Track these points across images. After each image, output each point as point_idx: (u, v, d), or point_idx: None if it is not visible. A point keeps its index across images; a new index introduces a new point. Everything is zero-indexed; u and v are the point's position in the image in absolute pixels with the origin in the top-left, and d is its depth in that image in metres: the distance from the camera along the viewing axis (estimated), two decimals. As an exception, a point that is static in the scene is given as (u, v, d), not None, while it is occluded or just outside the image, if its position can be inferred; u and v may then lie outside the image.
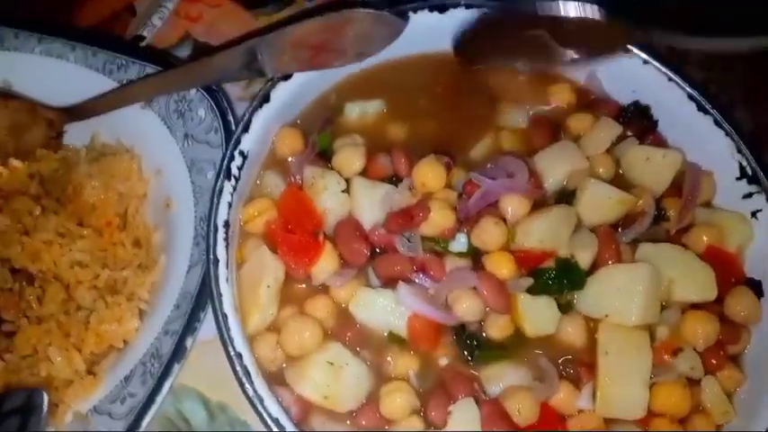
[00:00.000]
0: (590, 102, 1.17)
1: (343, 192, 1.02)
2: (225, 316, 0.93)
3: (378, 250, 1.01)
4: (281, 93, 1.06)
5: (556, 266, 0.98)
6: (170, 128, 1.12)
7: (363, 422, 0.94)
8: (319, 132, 1.09)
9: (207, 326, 0.99)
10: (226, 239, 0.97)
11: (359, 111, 1.12)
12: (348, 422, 0.95)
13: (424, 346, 0.96)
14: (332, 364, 0.93)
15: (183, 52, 1.41)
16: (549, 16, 0.97)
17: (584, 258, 0.99)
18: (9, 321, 1.01)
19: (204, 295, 0.99)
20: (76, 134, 1.18)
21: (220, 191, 0.99)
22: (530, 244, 0.99)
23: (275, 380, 0.95)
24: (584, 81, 1.18)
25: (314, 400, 0.93)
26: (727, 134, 1.09)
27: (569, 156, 1.07)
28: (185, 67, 1.13)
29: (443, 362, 0.97)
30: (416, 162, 1.03)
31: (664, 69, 1.12)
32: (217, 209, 0.98)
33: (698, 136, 1.11)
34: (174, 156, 1.11)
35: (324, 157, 1.07)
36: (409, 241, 0.99)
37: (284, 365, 0.97)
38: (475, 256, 1.00)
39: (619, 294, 0.98)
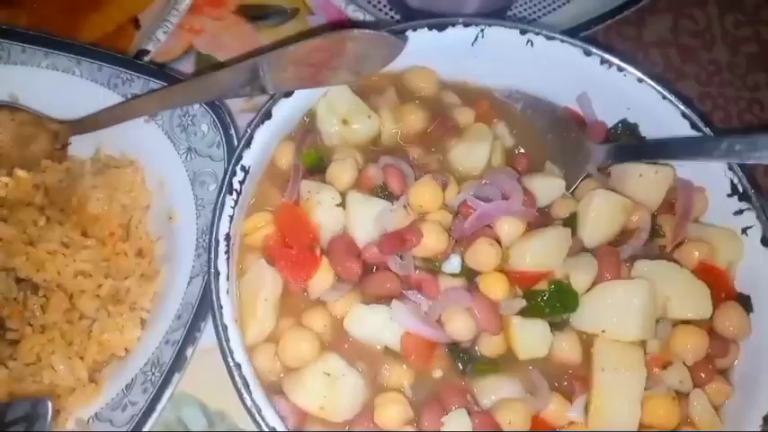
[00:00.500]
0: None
1: (338, 206, 1.03)
2: (225, 327, 0.94)
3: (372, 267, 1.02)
4: (282, 109, 1.07)
5: (549, 289, 0.99)
6: (173, 141, 1.14)
7: (358, 432, 0.95)
8: (303, 150, 1.09)
9: (206, 335, 1.01)
10: (227, 252, 0.99)
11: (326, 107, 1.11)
12: (343, 432, 0.96)
13: (418, 362, 0.97)
14: (328, 374, 0.95)
15: (186, 63, 1.44)
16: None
17: (582, 281, 1.00)
18: (13, 330, 1.02)
19: (205, 306, 1.01)
20: (81, 146, 1.20)
21: (222, 205, 1.00)
22: (524, 266, 1.00)
23: (273, 389, 0.97)
24: (575, 100, 1.20)
25: (310, 410, 0.95)
26: (720, 152, 1.10)
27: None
28: (189, 82, 1.15)
29: (437, 374, 0.99)
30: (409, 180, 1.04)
31: (658, 88, 1.13)
32: (219, 223, 0.99)
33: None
34: (176, 169, 1.13)
35: (319, 170, 1.08)
36: (402, 259, 1.00)
37: (282, 375, 0.98)
38: (468, 275, 1.01)
39: (616, 310, 0.99)
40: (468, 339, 0.99)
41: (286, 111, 1.08)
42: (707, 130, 1.12)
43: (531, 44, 1.15)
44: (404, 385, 0.98)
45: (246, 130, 1.06)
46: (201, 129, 1.13)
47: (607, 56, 1.14)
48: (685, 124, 1.12)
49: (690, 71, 1.58)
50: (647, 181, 1.10)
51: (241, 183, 1.03)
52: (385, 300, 0.99)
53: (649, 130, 1.17)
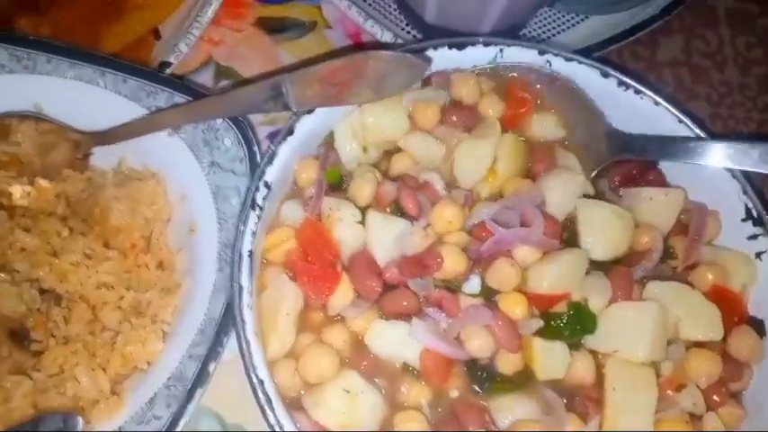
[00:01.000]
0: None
1: (358, 222, 1.04)
2: (248, 342, 0.95)
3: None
4: (304, 126, 1.09)
5: (568, 311, 1.00)
6: (196, 155, 1.15)
7: (377, 449, 0.96)
8: (327, 168, 1.10)
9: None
10: (250, 267, 1.00)
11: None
12: (362, 449, 0.97)
13: (436, 379, 0.99)
14: (348, 391, 0.96)
15: (205, 75, 1.45)
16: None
17: (598, 302, 1.02)
18: (37, 341, 1.03)
19: (227, 321, 1.02)
20: (105, 157, 1.21)
21: (245, 220, 1.01)
22: (542, 290, 1.01)
23: (293, 405, 0.98)
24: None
25: (330, 427, 0.96)
26: (734, 176, 1.12)
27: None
28: (213, 98, 1.16)
29: (454, 393, 1.00)
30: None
31: (674, 111, 1.15)
32: (242, 238, 1.00)
33: (705, 176, 1.13)
34: (199, 182, 1.14)
35: (340, 187, 1.09)
36: (421, 279, 1.01)
37: (302, 392, 0.99)
38: (487, 294, 1.02)
39: (628, 331, 1.00)
40: (486, 357, 1.00)
41: (308, 128, 1.09)
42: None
43: (550, 64, 1.17)
44: (422, 403, 0.99)
45: (270, 147, 1.07)
46: (225, 143, 1.14)
47: (624, 78, 1.16)
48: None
49: (701, 92, 1.60)
50: (657, 204, 1.12)
51: (264, 198, 1.04)
52: (404, 317, 1.00)
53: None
